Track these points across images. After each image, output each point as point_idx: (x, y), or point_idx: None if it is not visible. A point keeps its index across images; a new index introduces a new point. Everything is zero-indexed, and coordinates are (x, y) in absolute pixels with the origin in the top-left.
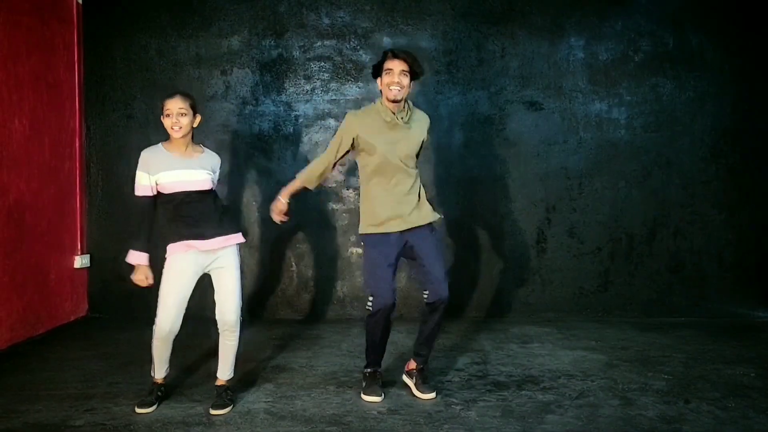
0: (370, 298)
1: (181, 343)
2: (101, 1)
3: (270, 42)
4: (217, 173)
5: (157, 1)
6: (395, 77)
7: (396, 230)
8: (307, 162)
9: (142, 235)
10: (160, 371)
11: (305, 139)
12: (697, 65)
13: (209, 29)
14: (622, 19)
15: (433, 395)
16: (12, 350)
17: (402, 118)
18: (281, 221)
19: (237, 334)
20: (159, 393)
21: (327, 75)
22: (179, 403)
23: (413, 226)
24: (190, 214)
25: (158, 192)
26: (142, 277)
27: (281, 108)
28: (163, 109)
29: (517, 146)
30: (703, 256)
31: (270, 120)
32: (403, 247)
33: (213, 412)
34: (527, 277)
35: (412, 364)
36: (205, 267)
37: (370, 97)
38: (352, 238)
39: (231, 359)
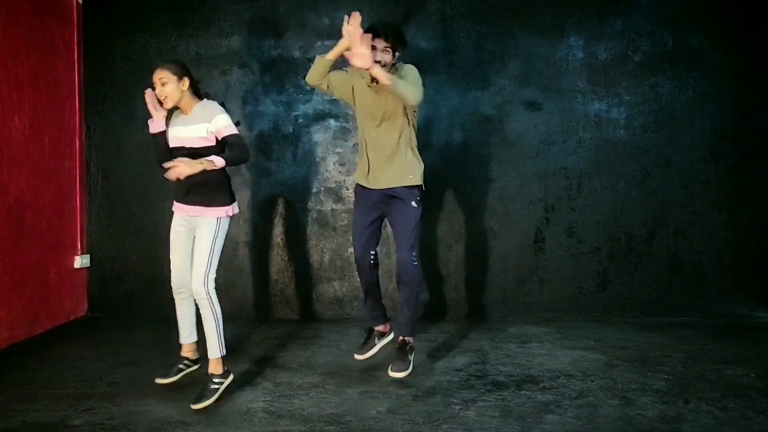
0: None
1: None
2: (101, 0)
3: (270, 42)
4: (217, 117)
5: (157, 0)
6: (378, 55)
7: (373, 187)
8: (306, 161)
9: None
10: (182, 334)
11: (305, 139)
12: (696, 65)
13: (209, 29)
14: (622, 19)
15: (398, 375)
16: (11, 350)
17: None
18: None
19: (207, 304)
20: (183, 365)
21: None
22: (179, 402)
23: (387, 186)
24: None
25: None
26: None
27: (281, 108)
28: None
29: (516, 146)
30: (702, 256)
31: (270, 120)
32: (381, 207)
33: (192, 405)
34: (526, 276)
35: (385, 327)
36: (192, 227)
37: None
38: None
39: (211, 335)
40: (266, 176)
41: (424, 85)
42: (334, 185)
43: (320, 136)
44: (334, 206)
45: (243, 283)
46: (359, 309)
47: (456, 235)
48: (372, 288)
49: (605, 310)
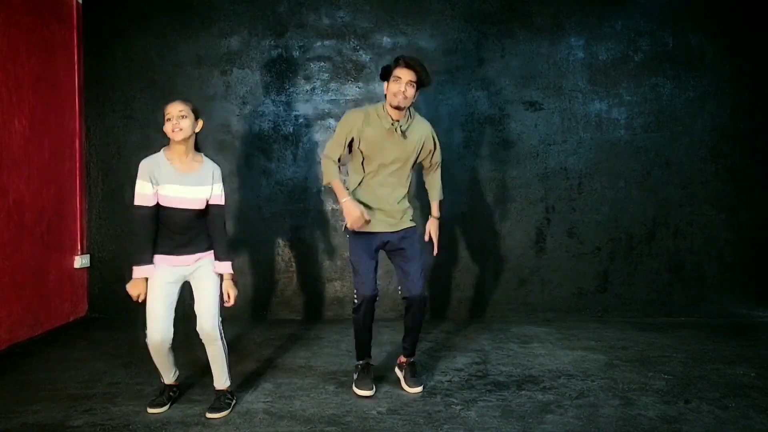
0: (356, 291)
1: (179, 343)
2: (101, 1)
3: (270, 42)
4: (218, 184)
5: (157, 1)
6: (402, 86)
7: (379, 230)
8: (307, 162)
9: (148, 246)
10: (167, 377)
11: (305, 139)
12: (697, 65)
13: (209, 29)
14: (622, 19)
15: (418, 389)
16: (11, 351)
17: (401, 127)
18: (367, 220)
19: (219, 342)
20: (171, 393)
21: (327, 75)
22: (178, 403)
23: (396, 229)
24: (175, 230)
25: (158, 203)
26: (136, 293)
27: (281, 108)
28: (164, 115)
29: (516, 146)
30: (702, 255)
31: (270, 120)
32: (384, 243)
33: (209, 415)
34: (527, 277)
35: (402, 358)
36: (185, 276)
37: (370, 97)
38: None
39: (221, 367)
40: (266, 176)
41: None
42: None
43: (320, 136)
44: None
45: (243, 284)
46: None
47: (456, 235)
48: (370, 326)
49: (606, 310)
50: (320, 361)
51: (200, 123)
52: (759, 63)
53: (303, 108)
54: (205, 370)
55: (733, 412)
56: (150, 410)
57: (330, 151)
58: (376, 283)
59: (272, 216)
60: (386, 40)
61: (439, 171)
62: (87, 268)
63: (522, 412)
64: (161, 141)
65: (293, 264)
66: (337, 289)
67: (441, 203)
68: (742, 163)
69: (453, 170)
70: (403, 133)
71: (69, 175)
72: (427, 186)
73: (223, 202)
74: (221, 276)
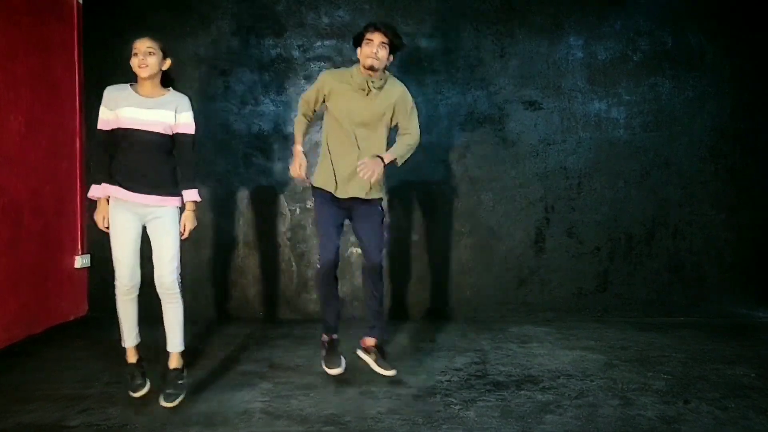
0: (318, 256)
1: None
2: (101, 1)
3: (269, 42)
4: (185, 113)
5: (156, 1)
6: (374, 48)
7: (343, 196)
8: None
9: (103, 167)
10: (129, 338)
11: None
12: (696, 65)
13: (209, 29)
14: (622, 18)
15: (393, 372)
16: (9, 350)
17: (372, 83)
18: (302, 176)
19: (177, 297)
20: (141, 370)
21: None
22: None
23: (362, 197)
24: (134, 160)
25: (118, 128)
26: (99, 218)
27: (281, 108)
28: (131, 49)
29: (516, 146)
30: (702, 255)
31: (270, 120)
32: (348, 211)
33: (164, 404)
34: (526, 277)
35: (369, 341)
36: (143, 218)
37: None
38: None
39: (177, 328)
40: (266, 176)
41: (424, 85)
42: None
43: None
44: None
45: (243, 283)
46: (360, 308)
47: (456, 235)
48: (334, 293)
49: (605, 310)
50: (319, 361)
51: (168, 62)
52: (759, 63)
53: None
54: (206, 371)
55: (732, 412)
56: (134, 394)
57: (301, 105)
58: (337, 249)
59: (272, 216)
60: None
61: (408, 138)
62: (87, 268)
63: (521, 412)
64: None
65: (293, 264)
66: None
67: (393, 161)
68: (742, 163)
69: (452, 170)
70: (376, 89)
71: (68, 174)
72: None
73: (191, 131)
74: (179, 221)
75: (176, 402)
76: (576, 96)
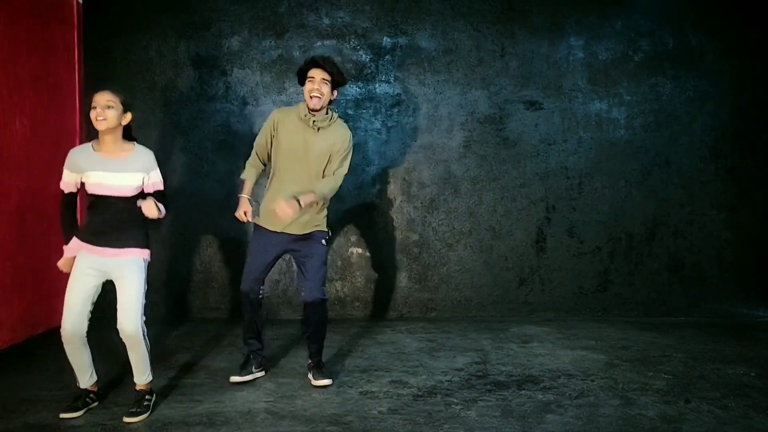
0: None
1: (181, 343)
2: (101, 1)
3: (270, 42)
4: (153, 172)
5: (157, 1)
6: (315, 84)
7: (278, 230)
8: None
9: (70, 228)
10: (82, 379)
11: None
12: (696, 65)
13: (209, 30)
14: (622, 18)
15: (327, 381)
16: (12, 350)
17: (314, 123)
18: (245, 220)
19: (141, 343)
20: (88, 400)
21: None
22: (179, 403)
23: (293, 233)
24: (100, 219)
25: (85, 191)
26: (65, 269)
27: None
28: (91, 102)
29: (516, 146)
30: (702, 255)
31: None
32: (285, 246)
33: (126, 419)
34: (527, 276)
35: (309, 360)
36: (106, 270)
37: (370, 97)
38: (353, 238)
39: (141, 366)
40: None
41: (425, 85)
42: None
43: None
44: (334, 206)
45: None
46: (360, 309)
47: (457, 234)
48: (253, 318)
49: (606, 310)
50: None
51: (128, 116)
52: (759, 63)
53: None
54: (207, 371)
55: (733, 412)
56: (62, 415)
57: (253, 153)
58: (258, 281)
59: None
60: (386, 40)
61: (332, 181)
62: None
63: (522, 411)
64: (161, 141)
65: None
66: (337, 289)
67: (312, 202)
68: (742, 163)
69: (453, 170)
70: (318, 128)
71: None
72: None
73: (161, 187)
74: (145, 271)
75: (138, 419)
76: (577, 96)
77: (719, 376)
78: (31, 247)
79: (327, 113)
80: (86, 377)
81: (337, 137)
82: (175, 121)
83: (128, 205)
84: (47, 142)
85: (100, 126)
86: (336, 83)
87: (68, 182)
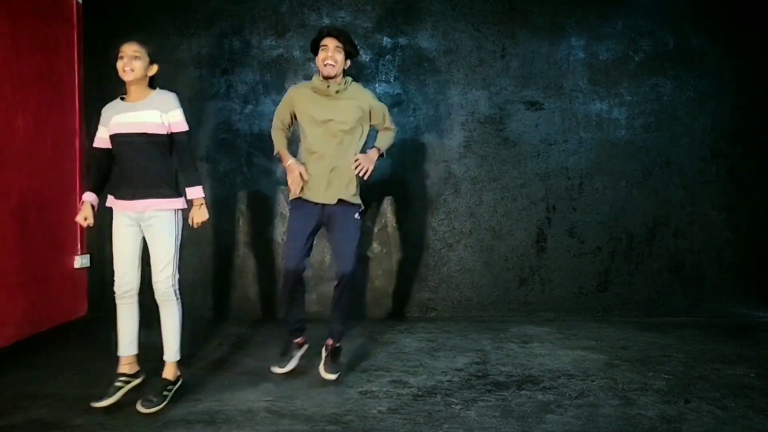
0: (283, 262)
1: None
2: (102, 1)
3: (271, 42)
4: (173, 111)
5: (157, 1)
6: (329, 52)
7: (313, 200)
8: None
9: (91, 178)
10: (122, 343)
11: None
12: (697, 65)
13: (210, 29)
14: (623, 19)
15: (333, 377)
16: (14, 348)
17: (329, 88)
18: (302, 181)
19: (173, 304)
20: (119, 383)
21: None
22: (179, 401)
23: (329, 202)
24: (126, 166)
25: (110, 136)
26: (80, 217)
27: None
28: (118, 52)
29: (517, 146)
30: (702, 256)
31: (270, 120)
32: (321, 218)
33: (139, 408)
34: (527, 276)
35: (329, 340)
36: (140, 222)
37: None
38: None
39: (172, 336)
40: (266, 176)
41: (425, 85)
42: None
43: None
44: None
45: (243, 283)
46: (360, 309)
47: (457, 234)
48: (295, 298)
49: (606, 310)
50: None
51: (155, 67)
52: (759, 63)
53: None
54: (209, 368)
55: (733, 412)
56: (93, 404)
57: (275, 118)
58: (302, 258)
59: (272, 216)
60: (386, 40)
61: (390, 132)
62: (87, 268)
63: (522, 411)
64: None
65: None
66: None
67: (381, 152)
68: (742, 163)
69: (453, 170)
70: (336, 91)
71: (69, 174)
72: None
73: (185, 128)
74: (177, 225)
75: (151, 410)
76: (577, 96)
77: (719, 376)
78: (34, 245)
79: (341, 81)
80: (126, 342)
81: (360, 97)
82: None
83: (151, 145)
84: (49, 139)
85: (126, 77)
86: (348, 53)
87: (99, 137)
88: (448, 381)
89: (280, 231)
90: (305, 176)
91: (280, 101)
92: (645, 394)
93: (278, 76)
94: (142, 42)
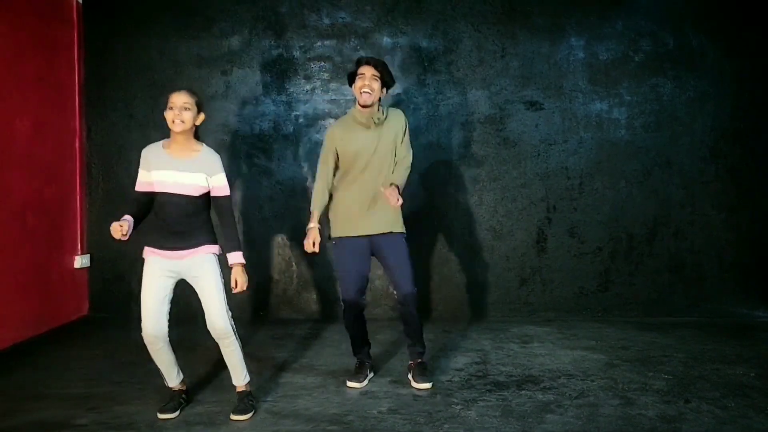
0: (341, 297)
1: (182, 343)
2: (101, 1)
3: (270, 42)
4: (218, 175)
5: (157, 1)
6: (366, 80)
7: (362, 234)
8: (307, 162)
9: (130, 211)
10: (170, 379)
11: (305, 139)
12: (697, 65)
13: (210, 29)
14: (623, 19)
15: (427, 385)
16: (15, 349)
17: (376, 119)
18: (313, 252)
19: (232, 339)
20: (181, 400)
21: (327, 75)
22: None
23: (377, 232)
24: (168, 219)
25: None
26: (117, 229)
27: (281, 108)
28: (167, 102)
29: (517, 146)
30: (703, 256)
31: (270, 120)
32: (369, 249)
33: (233, 417)
34: (527, 276)
35: (410, 362)
36: (179, 272)
37: None
38: None
39: (237, 365)
40: (266, 176)
41: (425, 85)
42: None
43: (320, 135)
44: None
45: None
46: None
47: (458, 234)
48: (360, 329)
49: (606, 310)
50: (321, 361)
51: (201, 116)
52: (759, 63)
53: (303, 108)
54: (208, 371)
55: (733, 412)
56: (160, 415)
57: (320, 170)
58: (360, 291)
59: (273, 215)
60: (386, 40)
61: (405, 165)
62: (87, 267)
63: (522, 411)
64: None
65: (294, 263)
66: (338, 288)
67: (398, 186)
68: (742, 163)
69: (453, 170)
70: (377, 123)
71: (70, 174)
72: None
73: (227, 193)
74: (219, 266)
75: (246, 416)
76: (577, 96)
77: (719, 376)
78: (34, 246)
79: (379, 109)
80: (173, 376)
81: (397, 125)
82: None
83: (193, 206)
84: (49, 141)
85: (176, 128)
86: (385, 83)
87: (141, 181)
88: (448, 381)
89: (280, 232)
90: (316, 248)
91: (279, 101)
92: (645, 394)
93: (277, 76)
94: (191, 92)
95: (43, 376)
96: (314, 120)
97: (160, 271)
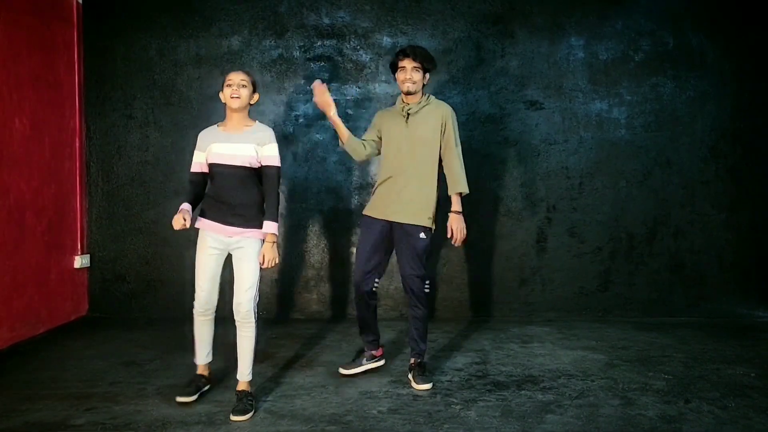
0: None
1: (182, 343)
2: (101, 1)
3: (270, 42)
4: (268, 145)
5: (157, 1)
6: (408, 73)
7: (380, 217)
8: (306, 161)
9: (188, 195)
10: (201, 355)
11: (305, 139)
12: (697, 65)
13: (209, 29)
14: (623, 18)
15: (426, 386)
16: (13, 349)
17: (404, 110)
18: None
19: (252, 326)
20: (200, 384)
21: (327, 75)
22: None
23: (398, 221)
24: (220, 193)
25: (208, 164)
26: (178, 220)
27: (281, 108)
28: (224, 81)
29: (517, 145)
30: (703, 255)
31: (270, 120)
32: (388, 237)
33: (233, 417)
34: (527, 276)
35: (411, 360)
36: (228, 247)
37: (370, 97)
38: (353, 238)
39: (247, 355)
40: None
41: (425, 85)
42: (334, 185)
43: (320, 136)
44: (336, 206)
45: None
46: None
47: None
48: (366, 313)
49: (606, 310)
50: (321, 360)
51: (256, 96)
52: (759, 63)
53: (303, 108)
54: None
55: (733, 412)
56: (178, 399)
57: (366, 143)
58: (368, 273)
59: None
60: (386, 40)
61: (454, 157)
62: (87, 267)
63: (522, 411)
64: (161, 140)
65: (294, 263)
66: (338, 288)
67: (461, 195)
68: (742, 163)
69: None
70: (412, 113)
71: (69, 174)
72: (446, 173)
73: (276, 164)
74: (260, 253)
75: (245, 417)
76: (577, 96)
77: (719, 376)
78: (32, 246)
79: (422, 97)
80: (204, 354)
81: (435, 116)
82: (175, 121)
83: (245, 177)
84: (47, 140)
85: (233, 104)
86: (426, 69)
87: (196, 162)
88: (448, 381)
89: (280, 231)
90: (332, 112)
91: (279, 101)
92: (645, 394)
93: (277, 76)
94: (248, 71)
95: (41, 376)
96: (314, 120)
97: (212, 248)
